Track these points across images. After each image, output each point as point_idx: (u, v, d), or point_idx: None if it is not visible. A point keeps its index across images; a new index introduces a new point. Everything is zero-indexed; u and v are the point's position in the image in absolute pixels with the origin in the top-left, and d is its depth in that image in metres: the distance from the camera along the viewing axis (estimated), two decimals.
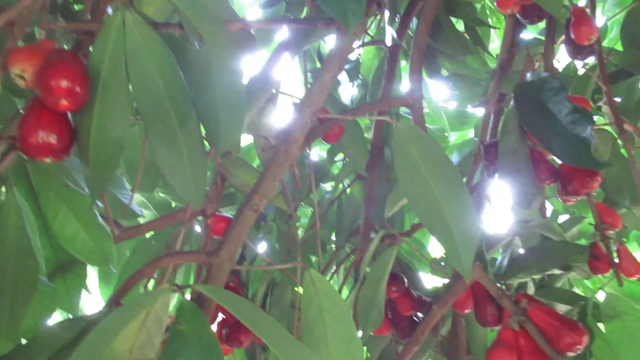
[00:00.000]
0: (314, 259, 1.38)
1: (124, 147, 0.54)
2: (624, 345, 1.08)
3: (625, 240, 1.35)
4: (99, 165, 0.53)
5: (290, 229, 1.08)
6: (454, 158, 1.44)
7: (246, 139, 1.38)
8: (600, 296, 1.13)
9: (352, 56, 1.49)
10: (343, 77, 1.50)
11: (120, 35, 0.54)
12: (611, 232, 1.03)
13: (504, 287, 1.06)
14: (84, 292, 1.08)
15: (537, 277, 1.16)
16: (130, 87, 0.56)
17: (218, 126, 0.55)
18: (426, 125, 1.71)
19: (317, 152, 1.58)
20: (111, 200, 0.93)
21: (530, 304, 0.77)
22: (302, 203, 1.37)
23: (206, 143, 0.64)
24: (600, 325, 1.11)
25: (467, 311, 0.95)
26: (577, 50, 1.08)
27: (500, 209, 1.40)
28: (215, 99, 0.56)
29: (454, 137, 1.75)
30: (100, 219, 0.77)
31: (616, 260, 1.00)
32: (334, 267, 1.29)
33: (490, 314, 0.86)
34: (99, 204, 0.77)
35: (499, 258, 1.26)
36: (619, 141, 1.11)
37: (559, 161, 1.01)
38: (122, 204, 0.96)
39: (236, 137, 0.58)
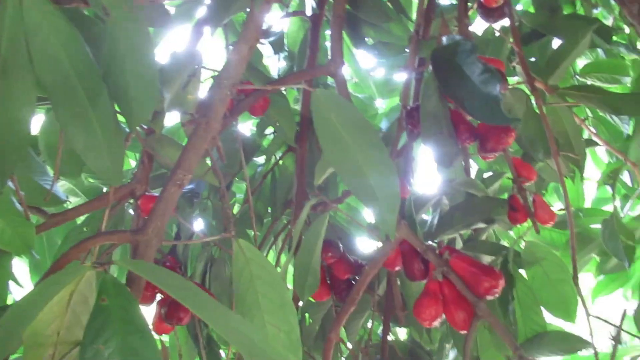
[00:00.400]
0: (252, 233, 1.39)
1: (29, 128, 0.53)
2: (543, 288, 1.17)
3: (544, 192, 1.44)
4: (4, 147, 0.51)
5: (224, 205, 1.08)
6: (383, 125, 1.47)
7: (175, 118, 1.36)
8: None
9: (277, 28, 1.49)
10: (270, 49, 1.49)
11: (17, 12, 0.52)
12: (527, 184, 1.10)
13: (435, 244, 1.11)
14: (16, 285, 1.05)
15: (464, 232, 1.23)
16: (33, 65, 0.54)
17: (129, 102, 0.55)
18: (356, 94, 1.74)
19: (249, 127, 1.58)
20: (33, 187, 0.91)
21: (452, 255, 0.82)
22: (237, 178, 1.38)
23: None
24: (522, 272, 1.20)
25: (397, 269, 0.99)
26: (488, 13, 1.13)
27: (427, 170, 1.46)
28: (124, 74, 0.55)
29: (383, 105, 1.79)
30: (18, 205, 0.75)
31: (533, 210, 1.07)
32: (272, 240, 1.31)
33: (417, 268, 0.91)
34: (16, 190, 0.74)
35: (430, 217, 1.32)
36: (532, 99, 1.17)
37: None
38: (45, 191, 0.93)
39: (147, 112, 0.58)
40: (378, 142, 0.77)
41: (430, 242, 1.11)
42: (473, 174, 1.42)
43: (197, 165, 0.72)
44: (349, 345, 1.27)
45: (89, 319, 0.48)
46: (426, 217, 1.37)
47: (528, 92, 1.18)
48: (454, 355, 1.36)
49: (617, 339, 1.01)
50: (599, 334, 1.07)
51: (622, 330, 1.01)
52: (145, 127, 1.02)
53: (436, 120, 1.05)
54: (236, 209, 1.45)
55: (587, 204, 1.61)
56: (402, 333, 1.61)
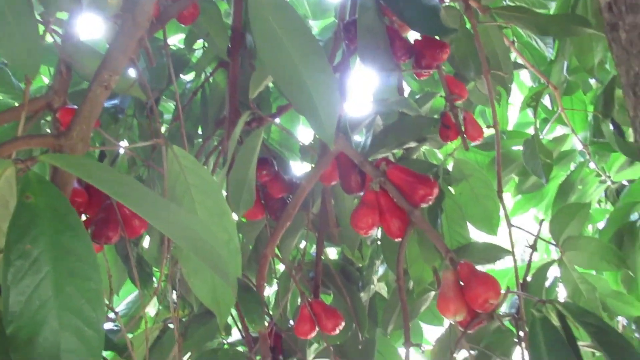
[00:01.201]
0: None
1: None
2: (470, 202, 1.22)
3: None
4: None
5: (152, 122, 1.03)
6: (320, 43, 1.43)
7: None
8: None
9: None
10: None
11: None
12: (459, 102, 1.12)
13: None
14: None
15: (396, 151, 1.25)
16: None
17: None
18: None
19: (176, 43, 1.49)
20: None
21: (389, 165, 0.83)
22: (164, 97, 1.31)
23: None
24: (451, 189, 1.25)
25: (333, 183, 1.00)
26: None
27: (362, 89, 1.45)
28: None
29: (315, 28, 1.74)
30: None
31: (463, 127, 1.10)
32: (203, 159, 1.27)
33: (354, 181, 0.91)
34: None
35: (363, 138, 1.33)
36: (466, 18, 1.18)
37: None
38: None
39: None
40: (317, 49, 0.75)
41: None
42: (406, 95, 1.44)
43: (124, 65, 0.66)
44: (283, 264, 1.29)
45: (12, 217, 0.44)
46: (359, 138, 1.39)
47: (462, 12, 1.18)
48: (383, 270, 1.42)
49: (533, 247, 1.09)
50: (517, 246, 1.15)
51: (540, 238, 1.09)
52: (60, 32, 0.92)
53: (373, 35, 1.04)
54: (164, 129, 1.39)
55: (510, 127, 1.68)
56: (332, 253, 1.65)
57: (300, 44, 0.74)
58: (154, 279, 1.24)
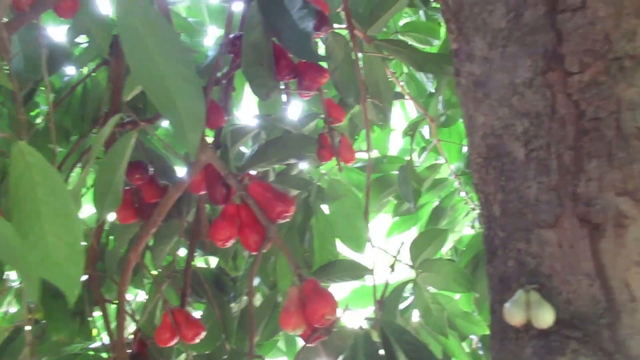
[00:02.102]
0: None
1: None
2: (342, 222, 1.28)
3: (356, 137, 1.55)
4: None
5: (18, 109, 0.98)
6: (211, 52, 1.44)
7: None
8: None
9: None
10: None
11: None
12: (337, 125, 1.17)
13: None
14: None
15: (277, 166, 1.28)
16: None
17: None
18: (188, 19, 1.67)
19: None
20: None
21: (251, 180, 0.85)
22: (42, 87, 1.25)
23: None
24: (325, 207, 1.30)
25: (202, 193, 1.01)
26: None
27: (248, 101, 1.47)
28: None
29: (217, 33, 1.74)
30: None
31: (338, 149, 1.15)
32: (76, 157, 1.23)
33: (220, 192, 0.93)
34: None
35: (249, 149, 1.35)
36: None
37: None
38: None
39: None
40: (186, 60, 0.76)
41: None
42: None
43: None
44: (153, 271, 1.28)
45: None
46: (246, 149, 1.41)
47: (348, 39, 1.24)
48: (258, 282, 1.44)
49: (392, 267, 1.17)
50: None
51: (396, 259, 1.16)
52: None
53: (257, 51, 1.06)
54: (41, 122, 1.33)
55: (394, 153, 1.78)
56: (214, 262, 1.65)
57: (169, 53, 0.75)
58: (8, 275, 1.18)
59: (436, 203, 1.66)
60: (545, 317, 0.60)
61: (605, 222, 0.59)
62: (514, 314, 0.62)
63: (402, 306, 1.32)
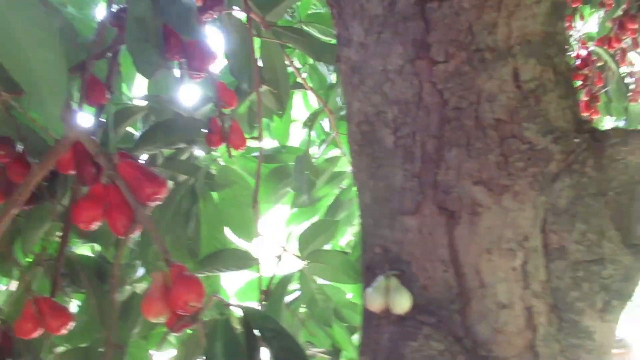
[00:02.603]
0: None
1: None
2: (231, 209, 1.25)
3: (255, 125, 1.52)
4: None
5: None
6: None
7: None
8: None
9: None
10: None
11: None
12: (227, 109, 1.14)
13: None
14: None
15: (166, 150, 1.23)
16: None
17: None
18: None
19: None
20: None
21: (121, 159, 0.80)
22: None
23: None
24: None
25: (71, 172, 0.94)
26: None
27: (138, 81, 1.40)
28: None
29: None
30: None
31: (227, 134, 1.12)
32: None
33: (88, 172, 0.87)
34: None
35: (138, 131, 1.28)
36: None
37: None
38: None
39: None
40: (45, 22, 0.70)
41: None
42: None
43: None
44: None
45: None
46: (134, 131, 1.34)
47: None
48: (144, 271, 1.37)
49: (279, 257, 1.15)
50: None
51: (285, 250, 1.15)
52: None
53: (143, 26, 1.00)
54: None
55: (295, 144, 1.76)
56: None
57: (30, 28, 0.68)
58: None
59: (334, 196, 1.67)
60: (402, 303, 0.61)
61: (461, 210, 0.61)
62: (373, 300, 0.62)
63: (291, 298, 1.31)
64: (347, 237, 1.84)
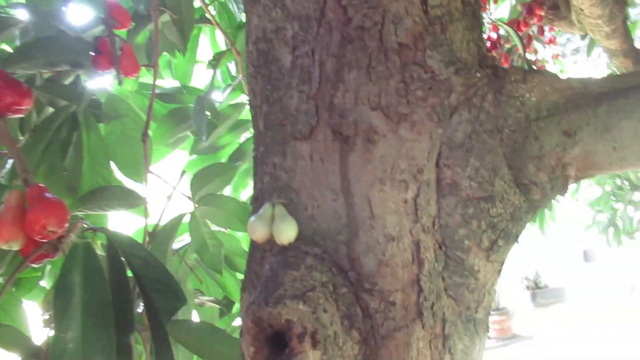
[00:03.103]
0: None
1: None
2: (120, 144, 1.14)
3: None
4: None
5: None
6: None
7: None
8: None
9: None
10: None
11: None
12: (120, 29, 1.02)
13: None
14: None
15: (46, 72, 1.09)
16: None
17: None
18: None
19: None
20: None
21: None
22: None
23: None
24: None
25: None
26: None
27: None
28: None
29: None
30: None
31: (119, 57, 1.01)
32: None
33: None
34: None
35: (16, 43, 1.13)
36: None
37: None
38: None
39: None
40: None
41: None
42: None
43: None
44: None
45: None
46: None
47: None
48: None
49: (169, 197, 1.07)
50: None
51: (175, 189, 1.07)
52: None
53: None
54: None
55: (201, 85, 1.66)
56: None
57: None
58: None
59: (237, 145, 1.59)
60: (287, 232, 0.56)
61: (356, 136, 0.57)
62: (256, 228, 0.57)
63: (181, 244, 1.24)
64: (249, 191, 1.78)
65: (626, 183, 3.51)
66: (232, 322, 1.50)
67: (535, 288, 5.30)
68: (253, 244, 0.64)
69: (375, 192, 0.56)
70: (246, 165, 1.64)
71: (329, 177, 0.57)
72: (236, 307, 1.51)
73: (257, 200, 0.64)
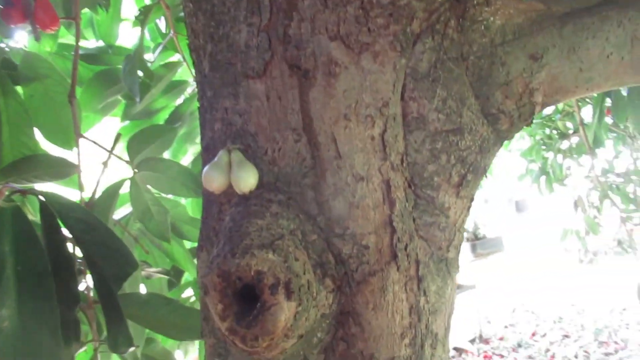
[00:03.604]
0: None
1: None
2: (44, 109, 1.03)
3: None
4: None
5: None
6: None
7: None
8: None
9: None
10: None
11: None
12: None
13: None
14: None
15: None
16: None
17: None
18: None
19: None
20: None
21: None
22: None
23: None
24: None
25: None
26: None
27: None
28: None
29: None
30: None
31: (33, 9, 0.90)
32: None
33: None
34: None
35: None
36: None
37: None
38: None
39: None
40: None
41: None
42: None
43: None
44: None
45: None
46: None
47: None
48: None
49: (105, 163, 0.98)
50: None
51: (113, 154, 0.98)
52: None
53: None
54: None
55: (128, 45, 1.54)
56: None
57: None
58: None
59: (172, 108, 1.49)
60: (248, 180, 0.51)
61: (316, 69, 0.52)
62: (212, 178, 0.52)
63: (123, 214, 1.15)
64: (189, 156, 1.69)
65: (555, 132, 3.66)
66: (182, 294, 1.44)
67: (475, 239, 5.52)
68: (208, 198, 0.58)
69: (340, 130, 0.52)
70: (184, 129, 1.55)
71: (288, 117, 0.52)
72: (185, 277, 1.44)
73: (209, 151, 0.58)
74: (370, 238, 0.52)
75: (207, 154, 0.59)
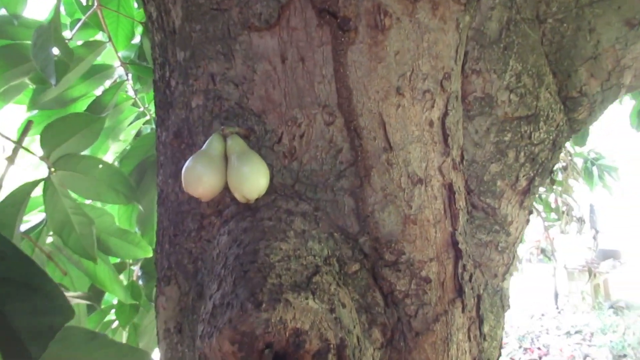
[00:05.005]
0: None
1: None
2: None
3: None
4: None
5: None
6: None
7: None
8: None
9: None
10: None
11: None
12: None
13: None
14: None
15: None
16: None
17: None
18: None
19: None
20: None
21: None
22: None
23: None
24: None
25: None
26: None
27: None
28: None
29: None
30: None
31: None
32: None
33: None
34: None
35: None
36: None
37: None
38: None
39: None
40: None
41: None
42: None
43: None
44: None
45: None
46: None
47: None
48: None
49: (11, 159, 0.75)
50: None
51: (22, 147, 0.75)
52: None
53: None
54: None
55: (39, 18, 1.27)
56: None
57: None
58: None
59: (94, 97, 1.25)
60: (256, 180, 0.33)
61: (357, 19, 0.35)
62: (197, 176, 0.33)
63: (32, 224, 0.91)
64: (109, 155, 1.44)
65: None
66: (103, 319, 1.20)
67: None
68: (177, 207, 0.40)
69: (391, 109, 0.36)
70: (107, 123, 1.31)
71: (316, 87, 0.35)
72: (106, 299, 1.21)
73: (180, 137, 0.40)
74: (432, 267, 0.36)
75: (177, 142, 0.40)
